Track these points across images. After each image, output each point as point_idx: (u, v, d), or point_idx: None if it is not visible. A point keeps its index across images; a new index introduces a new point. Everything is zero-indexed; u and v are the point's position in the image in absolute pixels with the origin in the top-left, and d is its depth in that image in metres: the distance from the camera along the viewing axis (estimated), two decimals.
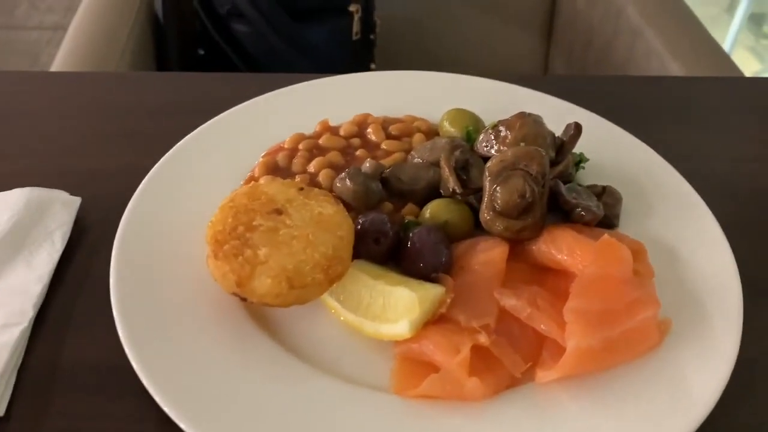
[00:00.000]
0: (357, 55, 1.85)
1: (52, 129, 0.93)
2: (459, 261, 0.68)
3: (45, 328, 0.67)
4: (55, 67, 1.34)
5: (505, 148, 0.75)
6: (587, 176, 0.81)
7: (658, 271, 0.69)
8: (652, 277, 0.68)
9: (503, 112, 0.81)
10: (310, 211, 0.65)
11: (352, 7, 1.77)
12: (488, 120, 0.85)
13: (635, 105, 1.02)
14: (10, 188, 0.80)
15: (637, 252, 0.69)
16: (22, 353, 0.65)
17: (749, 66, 2.91)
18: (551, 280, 0.68)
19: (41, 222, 0.75)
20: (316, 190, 0.69)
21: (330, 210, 0.66)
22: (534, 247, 0.69)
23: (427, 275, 0.67)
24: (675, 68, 1.59)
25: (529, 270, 0.70)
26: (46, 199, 0.77)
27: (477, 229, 0.72)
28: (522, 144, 0.73)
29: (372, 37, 1.86)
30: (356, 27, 1.78)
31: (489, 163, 0.71)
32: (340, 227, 0.64)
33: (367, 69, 1.90)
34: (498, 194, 0.69)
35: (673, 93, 1.09)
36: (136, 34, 1.55)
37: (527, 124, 0.76)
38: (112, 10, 1.53)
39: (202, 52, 1.75)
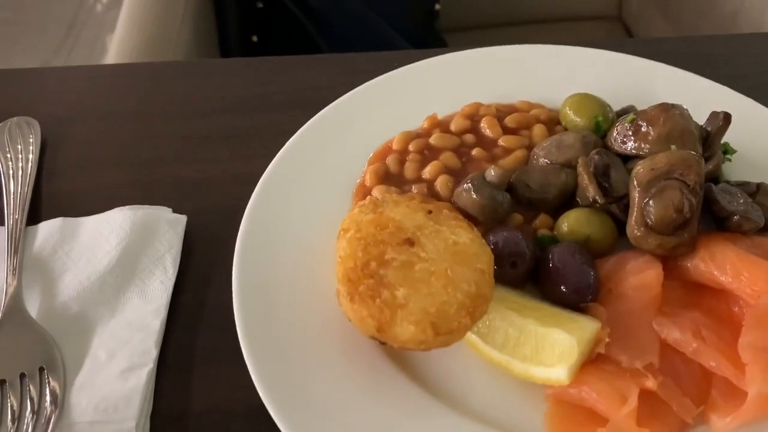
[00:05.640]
0: None
1: (133, 131, 0.86)
2: (606, 283, 0.62)
3: (168, 368, 0.64)
4: (112, 56, 1.24)
5: (647, 145, 0.68)
6: (732, 168, 0.73)
7: None
8: None
9: (631, 92, 0.75)
10: (444, 240, 0.60)
11: None
12: (615, 103, 0.77)
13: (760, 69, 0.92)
14: (104, 202, 0.75)
15: None
16: (152, 398, 0.62)
17: None
18: (708, 300, 0.62)
19: (150, 246, 0.71)
20: (446, 211, 0.63)
21: (465, 238, 0.60)
22: (689, 264, 0.62)
23: (573, 303, 0.61)
24: None
25: (682, 288, 0.63)
26: (151, 218, 0.73)
27: (620, 238, 0.66)
28: (672, 146, 0.65)
29: None
30: None
31: (637, 170, 0.64)
32: (479, 259, 0.59)
33: (433, 9, 1.79)
34: (651, 208, 0.62)
35: None
36: None
37: (672, 118, 0.67)
38: None
39: (260, 5, 1.66)
